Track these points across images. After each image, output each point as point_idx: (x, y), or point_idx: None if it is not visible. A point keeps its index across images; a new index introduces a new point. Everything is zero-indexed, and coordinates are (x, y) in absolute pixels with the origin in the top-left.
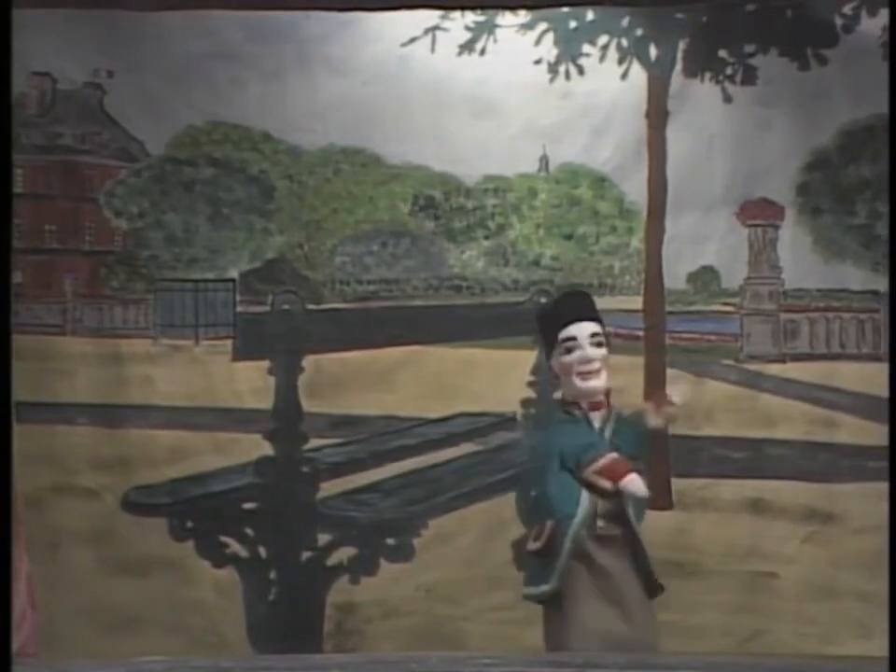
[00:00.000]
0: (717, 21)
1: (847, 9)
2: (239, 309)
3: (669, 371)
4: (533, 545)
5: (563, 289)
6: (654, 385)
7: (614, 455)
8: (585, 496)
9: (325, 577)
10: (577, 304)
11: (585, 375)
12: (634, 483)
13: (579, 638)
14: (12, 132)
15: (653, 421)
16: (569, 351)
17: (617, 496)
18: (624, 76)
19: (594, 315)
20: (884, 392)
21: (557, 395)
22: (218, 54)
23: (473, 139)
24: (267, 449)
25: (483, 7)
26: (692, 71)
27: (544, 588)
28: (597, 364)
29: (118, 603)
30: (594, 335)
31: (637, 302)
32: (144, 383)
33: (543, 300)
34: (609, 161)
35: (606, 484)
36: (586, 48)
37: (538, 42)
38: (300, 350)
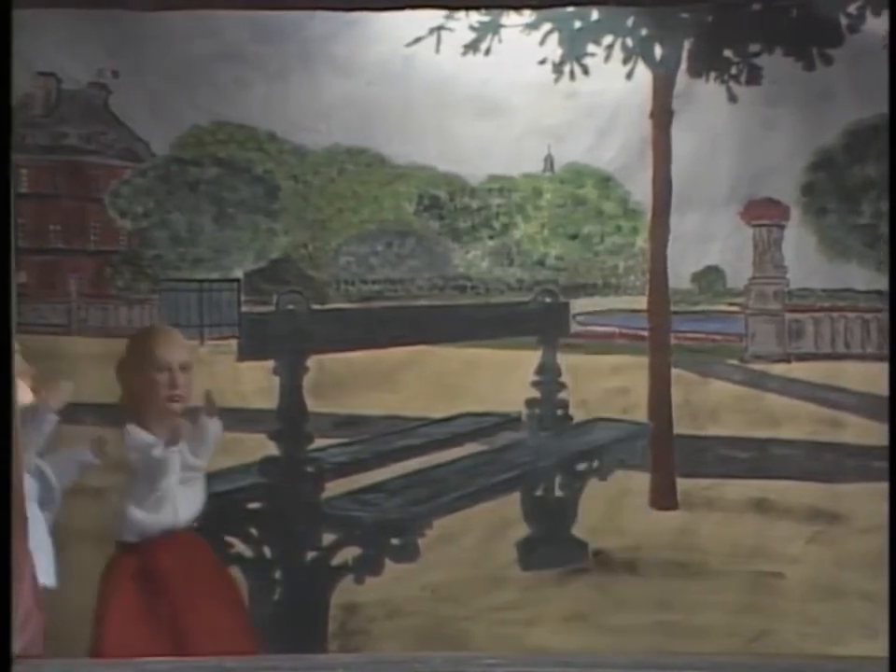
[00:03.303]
0: (722, 21)
1: (851, 9)
2: (244, 309)
3: (674, 371)
4: None
5: (567, 289)
6: (658, 385)
7: None
8: None
9: (329, 577)
10: None
11: None
12: None
13: None
14: (17, 132)
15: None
16: None
17: None
18: (629, 75)
19: None
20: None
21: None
22: (223, 54)
23: (478, 139)
24: (271, 449)
25: (487, 7)
26: (696, 71)
27: None
28: None
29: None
30: None
31: (641, 302)
32: None
33: (548, 300)
34: (613, 161)
35: None
36: (591, 47)
37: (542, 42)
38: (304, 350)
